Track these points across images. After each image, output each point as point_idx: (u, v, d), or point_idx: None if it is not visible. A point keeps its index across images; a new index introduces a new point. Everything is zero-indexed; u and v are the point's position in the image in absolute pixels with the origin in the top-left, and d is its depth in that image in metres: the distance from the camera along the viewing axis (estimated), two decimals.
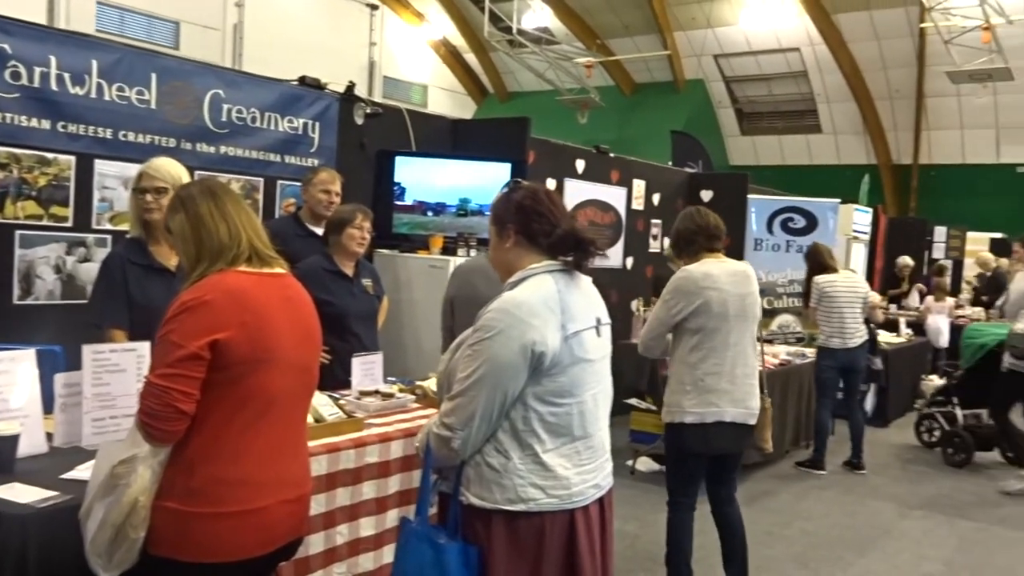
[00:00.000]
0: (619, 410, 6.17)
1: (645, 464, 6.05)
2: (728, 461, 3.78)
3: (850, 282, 6.35)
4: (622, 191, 7.61)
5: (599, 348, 2.16)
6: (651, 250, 8.17)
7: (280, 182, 4.95)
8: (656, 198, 8.11)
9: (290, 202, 4.95)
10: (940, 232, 14.55)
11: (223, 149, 4.67)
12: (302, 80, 5.11)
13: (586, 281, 2.19)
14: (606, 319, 2.22)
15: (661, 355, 3.75)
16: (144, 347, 2.50)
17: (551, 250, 2.12)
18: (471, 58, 27.57)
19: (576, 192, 6.99)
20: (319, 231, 4.12)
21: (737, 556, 3.79)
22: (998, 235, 17.18)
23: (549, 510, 2.03)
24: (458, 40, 26.72)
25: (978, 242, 16.19)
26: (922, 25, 18.65)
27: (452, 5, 25.42)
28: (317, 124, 5.10)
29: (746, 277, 3.61)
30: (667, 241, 7.79)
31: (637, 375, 6.03)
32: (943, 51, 17.23)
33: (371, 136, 5.50)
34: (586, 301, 2.16)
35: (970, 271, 14.93)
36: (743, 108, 25.69)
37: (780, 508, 5.41)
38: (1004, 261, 13.83)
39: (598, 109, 22.43)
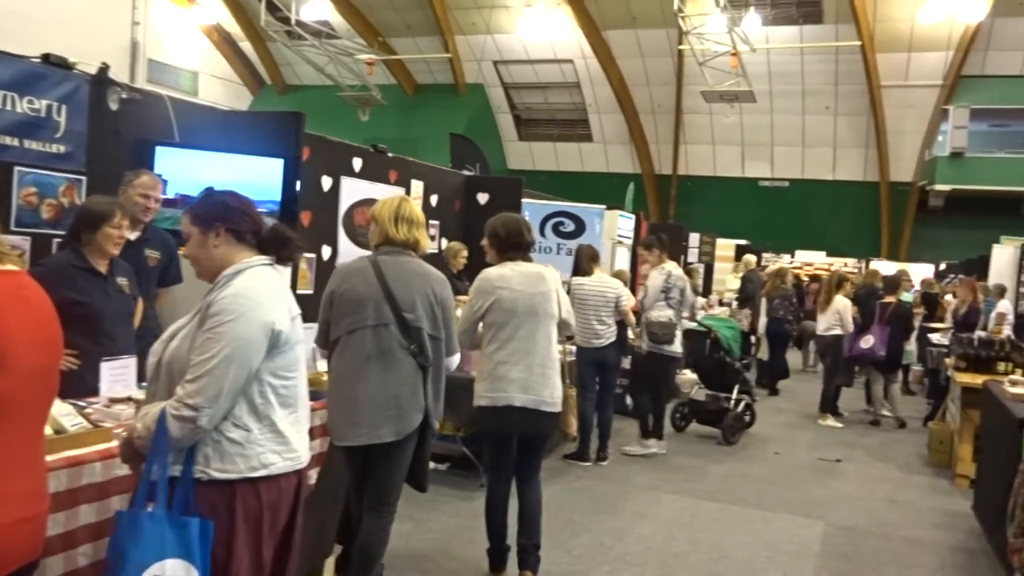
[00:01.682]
0: None
1: None
2: (529, 443, 4.09)
3: (601, 285, 6.65)
4: (400, 191, 7.49)
5: (302, 332, 2.46)
6: (429, 250, 8.19)
7: (17, 168, 4.44)
8: (434, 199, 8.14)
9: (31, 191, 4.49)
10: (694, 238, 15.55)
11: None
12: (46, 58, 4.64)
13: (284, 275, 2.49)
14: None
15: (470, 348, 4.11)
16: None
17: (260, 246, 2.40)
18: (247, 46, 26.46)
19: (353, 191, 6.82)
20: (131, 236, 3.92)
21: (525, 531, 4.09)
22: (743, 241, 19.08)
23: (285, 471, 2.32)
24: (233, 27, 25.55)
25: (726, 247, 17.77)
26: (680, 47, 20.33)
27: None
28: (63, 107, 4.64)
29: (540, 278, 4.02)
30: (444, 242, 7.91)
31: None
32: (698, 72, 18.88)
33: (128, 123, 5.08)
34: (289, 292, 2.45)
35: (719, 274, 16.36)
36: (521, 114, 26.67)
37: (547, 501, 5.56)
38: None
39: (380, 107, 22.35)
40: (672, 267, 7.03)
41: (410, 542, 4.66)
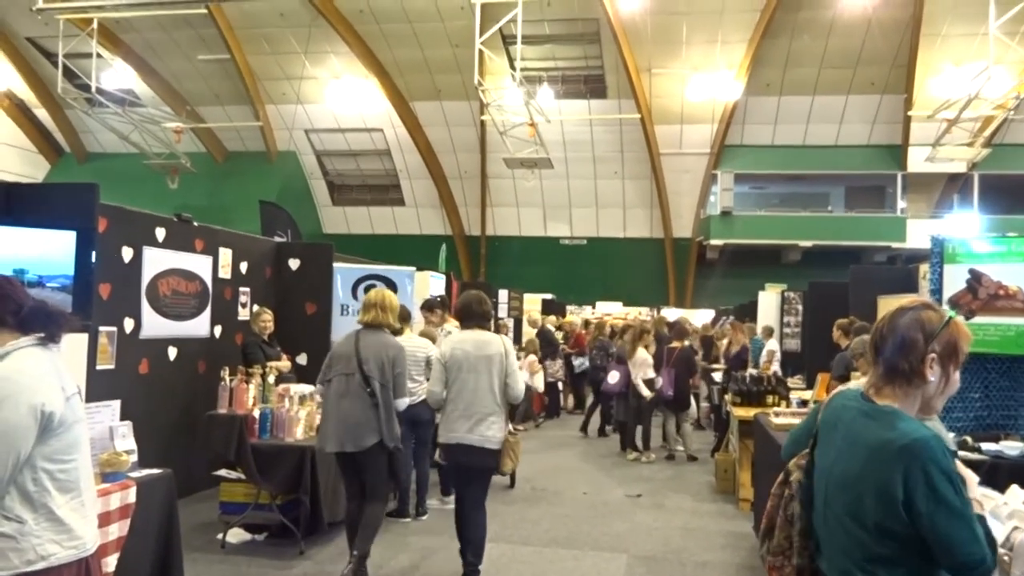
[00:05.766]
0: (209, 483, 6.13)
1: (237, 536, 5.88)
2: (470, 474, 5.05)
3: (411, 345, 6.57)
4: (208, 259, 7.54)
5: (82, 410, 2.36)
6: (240, 318, 8.12)
7: None
8: (244, 266, 8.18)
9: None
10: (503, 294, 16.06)
11: None
12: None
13: (58, 352, 2.34)
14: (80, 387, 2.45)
15: (440, 385, 4.99)
16: None
17: (23, 326, 2.25)
18: (43, 114, 25.38)
19: (157, 261, 6.78)
20: None
21: (469, 545, 5.06)
22: (548, 296, 20.33)
23: (67, 561, 2.19)
24: (27, 94, 24.47)
25: (533, 302, 18.77)
26: (482, 118, 21.62)
27: (19, 55, 23.32)
28: None
29: (487, 343, 4.99)
30: (256, 307, 8.11)
31: (225, 446, 5.80)
32: (500, 140, 20.14)
33: None
34: (66, 369, 2.33)
35: (528, 327, 17.23)
36: (334, 180, 27.06)
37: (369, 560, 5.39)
38: (552, 318, 16.36)
39: (190, 175, 22.00)
40: (451, 326, 7.12)
41: None
